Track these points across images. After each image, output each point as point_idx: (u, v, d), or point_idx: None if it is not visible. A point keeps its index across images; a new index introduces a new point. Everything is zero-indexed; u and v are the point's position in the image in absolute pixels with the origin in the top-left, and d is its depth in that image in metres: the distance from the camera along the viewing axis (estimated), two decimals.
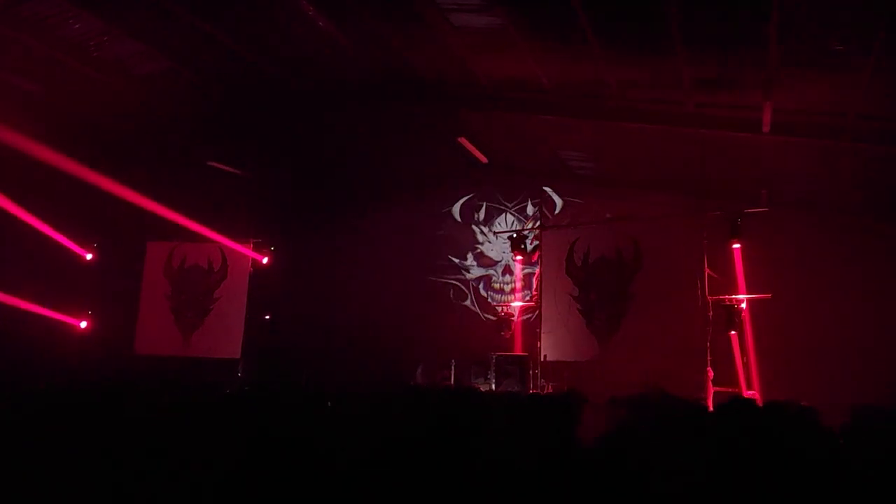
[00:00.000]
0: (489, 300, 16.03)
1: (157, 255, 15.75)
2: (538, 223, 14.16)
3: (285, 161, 14.46)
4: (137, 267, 15.66)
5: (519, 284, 15.71)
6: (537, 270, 14.09)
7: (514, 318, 14.08)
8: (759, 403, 8.12)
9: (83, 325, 14.87)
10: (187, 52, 10.84)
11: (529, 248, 13.62)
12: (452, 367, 13.19)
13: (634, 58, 9.28)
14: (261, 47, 10.92)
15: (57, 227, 14.24)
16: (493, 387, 12.25)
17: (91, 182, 12.66)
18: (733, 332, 11.27)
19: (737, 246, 11.70)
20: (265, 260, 15.11)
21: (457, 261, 16.60)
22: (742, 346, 11.67)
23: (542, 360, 12.96)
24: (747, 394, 10.82)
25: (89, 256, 15.35)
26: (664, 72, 9.32)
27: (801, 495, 2.78)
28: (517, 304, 15.19)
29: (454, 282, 16.57)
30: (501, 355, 13.09)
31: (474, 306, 16.25)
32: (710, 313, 11.59)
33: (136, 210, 13.95)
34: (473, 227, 16.61)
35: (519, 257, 14.04)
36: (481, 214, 16.58)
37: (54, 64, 10.38)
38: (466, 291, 16.39)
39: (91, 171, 12.56)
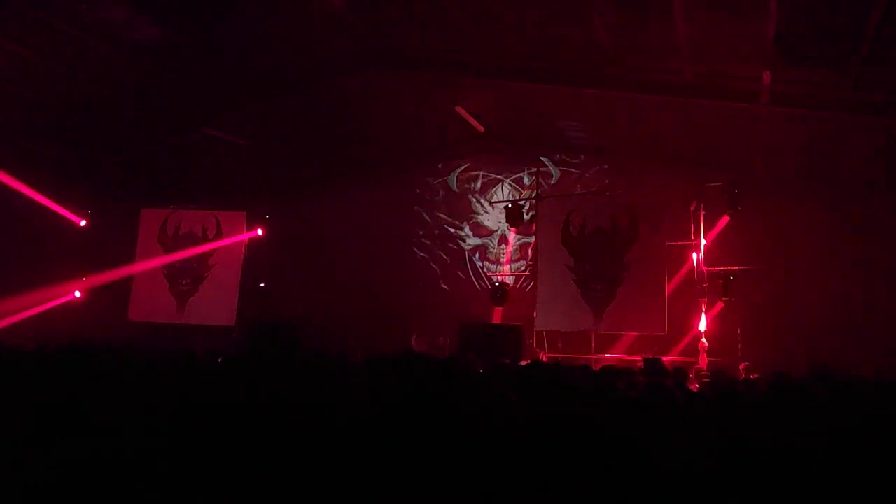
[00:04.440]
0: (484, 269, 16.06)
1: (151, 221, 15.68)
2: (534, 193, 14.12)
3: (281, 130, 14.33)
4: (131, 234, 15.59)
5: (511, 254, 15.78)
6: (533, 240, 14.10)
7: (509, 287, 14.12)
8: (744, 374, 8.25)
9: (77, 294, 14.80)
10: (180, 20, 10.67)
11: (526, 218, 13.59)
12: (447, 336, 13.25)
13: (633, 25, 9.18)
14: (255, 11, 10.75)
15: (50, 195, 14.17)
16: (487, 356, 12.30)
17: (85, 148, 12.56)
18: (725, 300, 11.34)
19: (731, 216, 11.72)
20: (259, 231, 15.11)
21: (453, 230, 16.59)
22: (736, 317, 11.78)
23: (537, 329, 13.03)
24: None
25: (83, 223, 15.24)
26: (662, 39, 9.21)
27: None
28: (511, 273, 15.26)
29: (450, 251, 16.58)
30: (495, 325, 13.17)
31: (470, 275, 16.28)
32: (705, 284, 11.65)
33: (131, 177, 13.86)
34: (470, 196, 16.58)
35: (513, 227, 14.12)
36: (478, 184, 16.54)
37: (46, 28, 10.20)
38: (462, 260, 16.41)
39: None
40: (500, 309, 13.61)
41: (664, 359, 9.05)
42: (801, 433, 3.18)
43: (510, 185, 16.26)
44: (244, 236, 15.15)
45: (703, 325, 11.50)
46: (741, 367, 8.79)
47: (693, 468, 2.84)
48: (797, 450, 2.92)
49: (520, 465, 2.80)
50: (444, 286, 16.31)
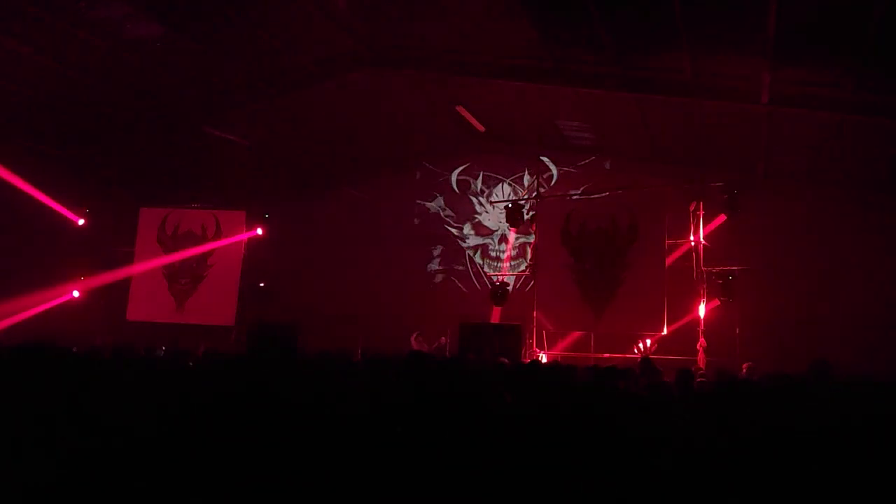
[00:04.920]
0: (485, 268, 16.08)
1: (150, 221, 15.65)
2: (535, 193, 14.11)
3: (281, 129, 14.32)
4: (131, 233, 15.56)
5: (511, 252, 15.80)
6: (533, 240, 14.09)
7: (510, 287, 14.12)
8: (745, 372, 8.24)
9: (75, 293, 14.76)
10: (180, 18, 10.65)
11: (526, 217, 13.59)
12: (447, 335, 13.24)
13: (633, 22, 9.15)
14: (255, 10, 10.74)
15: (49, 193, 14.14)
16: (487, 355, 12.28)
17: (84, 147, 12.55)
18: (724, 299, 11.32)
19: (728, 217, 11.70)
20: (259, 231, 15.07)
21: (453, 230, 16.59)
22: (735, 316, 11.77)
23: (537, 329, 13.01)
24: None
25: (81, 222, 15.20)
26: (663, 36, 9.18)
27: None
28: (511, 273, 15.27)
29: (450, 251, 16.59)
30: (495, 324, 13.15)
31: (470, 275, 16.28)
32: (705, 284, 11.64)
33: (130, 175, 13.84)
34: (470, 196, 16.59)
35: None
36: (478, 184, 16.55)
37: (46, 26, 10.19)
38: (462, 260, 16.42)
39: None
40: (500, 308, 13.60)
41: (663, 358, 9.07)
42: (800, 433, 3.18)
43: (510, 185, 16.26)
44: (244, 236, 15.13)
45: (701, 324, 11.50)
46: (744, 367, 8.75)
47: (694, 466, 2.83)
48: (797, 449, 2.92)
49: (520, 465, 2.79)
50: (444, 286, 16.31)
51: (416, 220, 16.96)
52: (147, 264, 15.36)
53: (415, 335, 12.70)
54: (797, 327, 11.52)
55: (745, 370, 8.54)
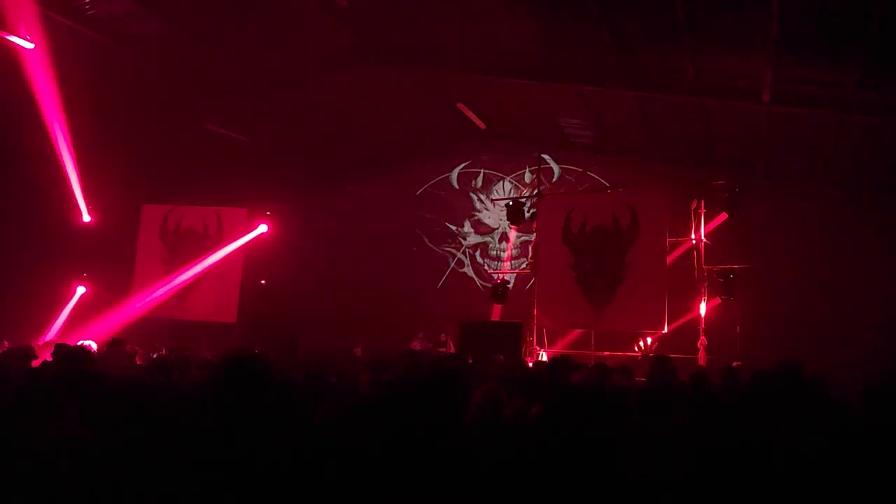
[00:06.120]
0: (486, 267, 16.08)
1: (152, 217, 15.64)
2: (536, 191, 14.10)
3: (283, 126, 14.34)
4: (133, 229, 15.55)
5: (512, 251, 15.82)
6: (534, 238, 14.09)
7: (510, 285, 14.12)
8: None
9: (81, 290, 14.75)
10: (181, 14, 10.67)
11: (527, 216, 13.58)
12: (448, 333, 13.25)
13: (634, 21, 9.16)
14: (257, 6, 10.76)
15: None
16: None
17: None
18: (723, 298, 11.32)
19: (729, 215, 11.70)
20: (265, 227, 15.03)
21: (454, 228, 16.60)
22: (735, 315, 11.78)
23: (537, 327, 13.02)
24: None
25: (87, 218, 15.15)
26: (663, 34, 9.19)
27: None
28: (512, 270, 15.28)
29: (451, 249, 16.60)
30: (496, 322, 13.17)
31: (471, 273, 16.30)
32: (706, 282, 11.64)
33: (132, 172, 13.82)
34: (471, 194, 16.60)
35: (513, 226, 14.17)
36: (479, 181, 16.55)
37: (47, 22, 10.20)
38: (463, 258, 16.43)
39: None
40: (501, 307, 13.61)
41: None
42: (775, 435, 3.18)
43: (511, 183, 16.26)
44: (251, 234, 15.09)
45: (701, 322, 11.51)
46: (734, 365, 8.75)
47: (677, 470, 2.84)
48: (776, 452, 2.92)
49: (512, 466, 2.80)
50: (444, 284, 16.33)
51: (415, 218, 16.97)
52: (149, 261, 15.35)
53: (415, 335, 12.72)
54: (797, 326, 11.53)
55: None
